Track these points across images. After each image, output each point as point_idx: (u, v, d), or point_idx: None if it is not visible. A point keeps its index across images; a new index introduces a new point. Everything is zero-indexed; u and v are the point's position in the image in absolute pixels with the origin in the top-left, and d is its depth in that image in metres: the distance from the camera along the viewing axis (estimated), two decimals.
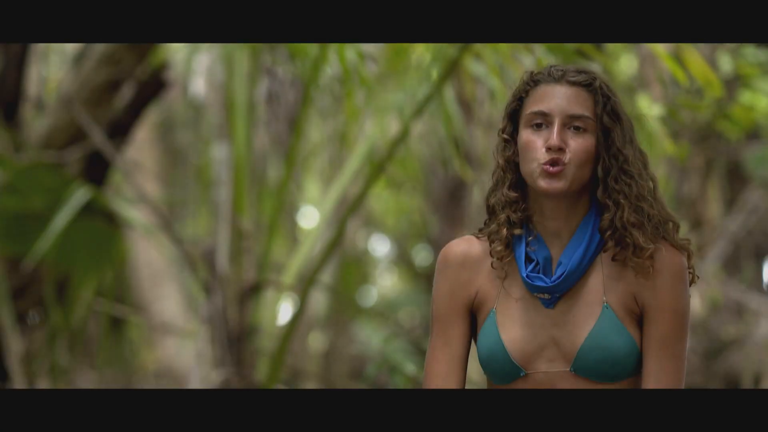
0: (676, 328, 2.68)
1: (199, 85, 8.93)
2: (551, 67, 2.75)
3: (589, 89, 2.70)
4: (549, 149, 2.66)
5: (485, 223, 2.80)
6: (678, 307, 2.69)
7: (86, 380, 10.06)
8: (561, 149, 2.66)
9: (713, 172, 9.29)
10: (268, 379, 5.56)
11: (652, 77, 7.64)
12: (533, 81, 2.74)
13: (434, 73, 5.20)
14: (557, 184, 2.67)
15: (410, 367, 5.14)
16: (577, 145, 2.68)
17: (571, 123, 2.68)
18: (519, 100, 2.75)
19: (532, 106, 2.71)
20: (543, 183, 2.67)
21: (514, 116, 2.76)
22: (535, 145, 2.69)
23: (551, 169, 2.67)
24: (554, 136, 2.67)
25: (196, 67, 8.68)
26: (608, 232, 2.69)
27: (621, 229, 2.68)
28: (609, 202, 2.69)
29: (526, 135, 2.71)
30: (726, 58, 6.14)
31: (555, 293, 2.70)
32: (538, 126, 2.70)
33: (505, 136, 2.76)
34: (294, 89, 8.35)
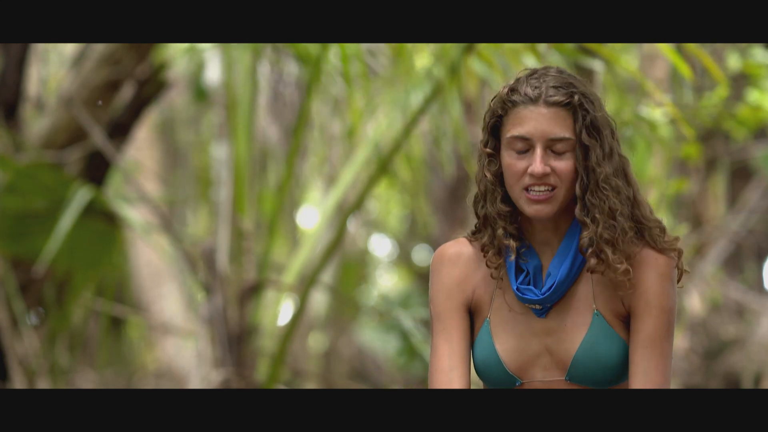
0: (663, 326, 2.67)
1: (213, 77, 8.90)
2: (527, 81, 2.68)
3: (568, 108, 2.65)
4: (532, 176, 2.65)
5: (476, 227, 2.78)
6: (665, 305, 2.67)
7: (86, 380, 10.05)
8: (546, 174, 2.65)
9: (714, 172, 9.29)
10: (268, 379, 5.56)
11: (652, 77, 7.63)
12: (510, 102, 2.67)
13: (437, 73, 5.19)
14: (546, 209, 2.66)
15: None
16: (562, 166, 2.65)
17: (553, 145, 2.65)
18: (498, 117, 2.70)
19: (512, 130, 2.66)
20: (530, 209, 2.66)
21: (495, 130, 2.72)
22: (518, 169, 2.66)
23: (540, 196, 2.65)
24: (537, 162, 2.64)
25: (208, 62, 8.66)
26: (588, 250, 2.67)
27: (596, 245, 2.66)
28: (587, 219, 2.66)
29: (508, 158, 2.67)
30: (735, 57, 6.12)
31: (546, 304, 2.70)
32: (520, 150, 2.66)
33: (488, 150, 2.72)
34: (296, 89, 8.35)
